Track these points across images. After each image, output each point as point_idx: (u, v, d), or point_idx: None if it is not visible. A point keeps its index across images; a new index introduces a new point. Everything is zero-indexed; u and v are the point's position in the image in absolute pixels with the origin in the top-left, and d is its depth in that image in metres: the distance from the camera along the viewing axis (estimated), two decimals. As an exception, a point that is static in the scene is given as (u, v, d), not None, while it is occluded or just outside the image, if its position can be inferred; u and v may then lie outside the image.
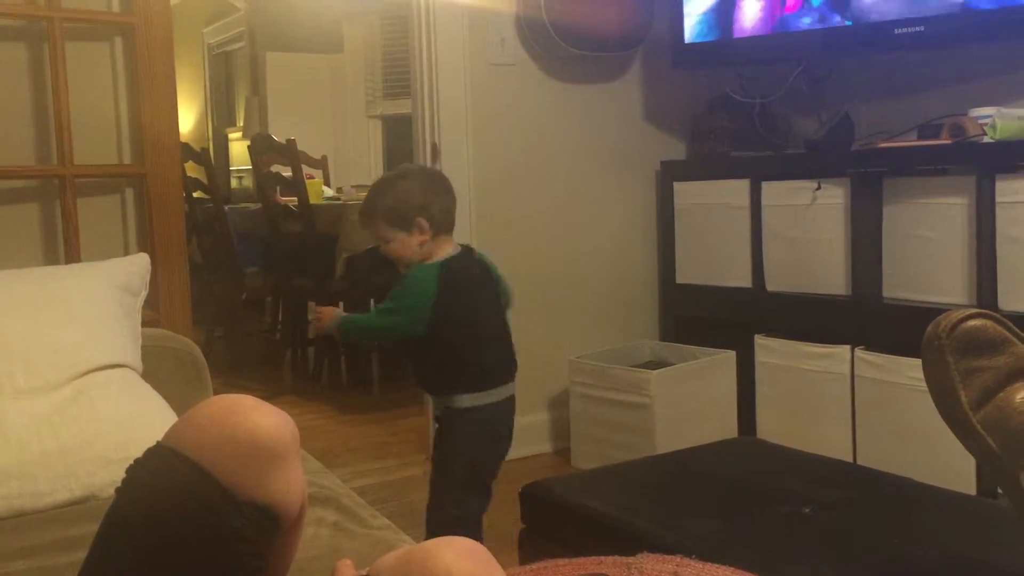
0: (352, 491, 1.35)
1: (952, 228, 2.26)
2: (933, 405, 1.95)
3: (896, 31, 2.46)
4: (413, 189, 1.86)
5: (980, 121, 2.28)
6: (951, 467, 2.16)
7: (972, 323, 0.98)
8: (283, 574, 0.90)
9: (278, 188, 4.10)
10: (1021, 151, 2.14)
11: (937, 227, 2.30)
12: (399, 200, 1.87)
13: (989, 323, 0.98)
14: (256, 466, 0.81)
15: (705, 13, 2.85)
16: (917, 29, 2.42)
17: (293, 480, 0.84)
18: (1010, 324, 0.99)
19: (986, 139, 2.22)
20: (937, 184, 2.31)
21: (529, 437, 2.93)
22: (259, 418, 0.83)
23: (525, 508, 1.41)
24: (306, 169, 4.29)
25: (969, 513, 1.34)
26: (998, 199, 2.17)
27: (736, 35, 2.79)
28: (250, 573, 0.81)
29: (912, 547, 1.18)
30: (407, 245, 1.88)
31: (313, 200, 3.99)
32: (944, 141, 2.34)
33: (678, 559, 0.95)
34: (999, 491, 2.14)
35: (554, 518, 1.38)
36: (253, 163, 4.23)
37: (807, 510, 1.27)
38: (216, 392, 1.54)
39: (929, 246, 2.32)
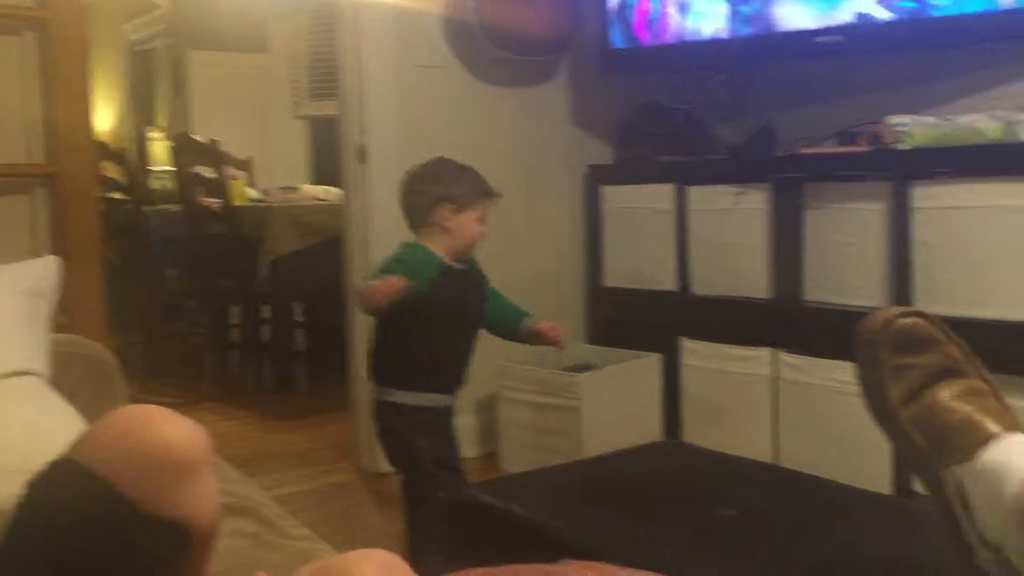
0: (273, 500, 1.32)
1: (870, 233, 2.31)
2: (851, 407, 1.97)
3: (816, 40, 2.51)
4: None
5: (896, 129, 2.34)
6: (868, 468, 2.21)
7: (905, 321, 1.00)
8: (196, 589, 0.87)
9: (200, 189, 4.01)
10: (935, 158, 2.20)
11: (855, 232, 2.35)
12: None
13: (922, 321, 1.00)
14: (166, 480, 0.78)
15: (632, 18, 2.87)
16: (836, 39, 2.47)
17: (205, 493, 0.81)
18: (941, 323, 1.01)
19: (902, 146, 2.27)
20: (855, 190, 2.36)
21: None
22: (169, 430, 0.80)
23: (448, 516, 1.39)
24: (230, 170, 4.21)
25: (887, 513, 1.37)
26: (914, 205, 2.23)
27: (663, 42, 2.82)
28: (159, 590, 0.78)
29: (832, 547, 1.19)
30: None
31: (237, 202, 3.91)
32: (862, 148, 2.40)
33: (600, 565, 0.94)
34: (914, 491, 2.20)
35: (478, 525, 1.36)
36: (175, 164, 4.14)
37: (730, 512, 1.28)
38: (132, 399, 1.49)
39: (848, 250, 2.37)
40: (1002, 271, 2.09)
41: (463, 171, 2.07)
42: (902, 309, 1.01)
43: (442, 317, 2.01)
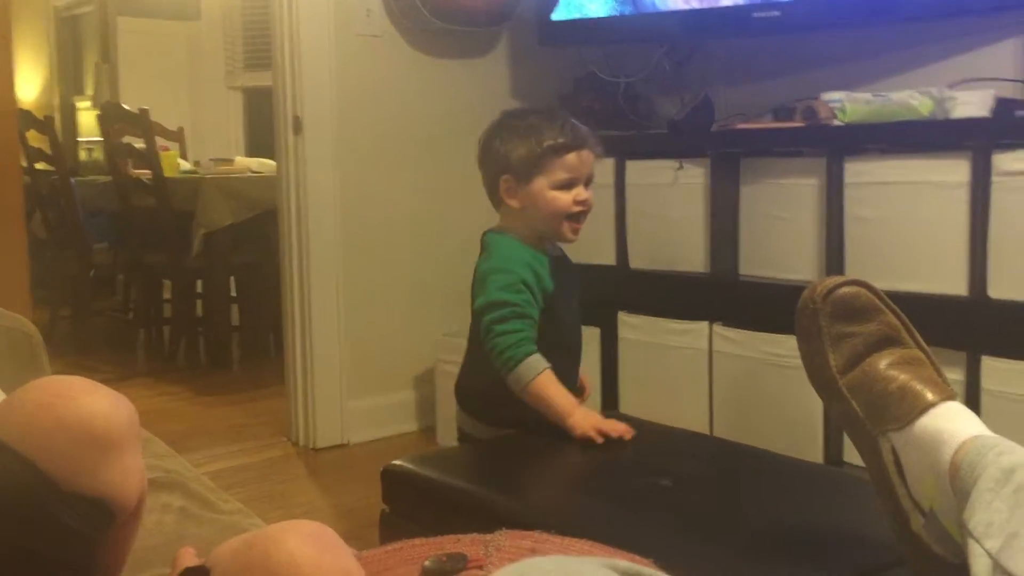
0: (203, 475, 1.29)
1: (804, 208, 2.34)
2: (785, 379, 2.00)
3: (754, 15, 2.53)
4: None
5: (831, 105, 2.36)
6: (801, 438, 2.25)
7: (846, 290, 1.01)
8: (120, 566, 0.84)
9: (130, 160, 3.90)
10: (868, 134, 2.23)
11: (790, 207, 2.37)
12: None
13: (862, 291, 1.01)
14: (88, 455, 0.75)
15: (571, -9, 2.85)
16: (773, 14, 2.49)
17: (130, 469, 0.78)
18: (881, 293, 1.02)
19: (836, 122, 2.30)
20: (791, 165, 2.38)
21: (395, 416, 2.90)
22: (92, 403, 0.77)
23: (386, 489, 1.38)
24: (161, 141, 4.10)
25: (819, 481, 1.39)
26: (846, 180, 2.26)
27: (602, 14, 2.80)
28: (80, 568, 0.76)
29: (767, 516, 1.21)
30: None
31: (168, 173, 3.81)
32: (797, 124, 2.42)
33: (536, 535, 0.94)
34: (845, 460, 2.25)
35: (416, 498, 1.35)
36: (103, 133, 4.01)
37: (665, 482, 1.28)
38: (58, 374, 1.44)
39: (783, 225, 2.39)
40: (930, 246, 2.13)
41: (522, 126, 1.62)
42: (843, 279, 1.03)
43: (550, 331, 1.61)
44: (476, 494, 1.26)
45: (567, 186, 1.59)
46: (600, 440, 1.42)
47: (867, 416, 0.97)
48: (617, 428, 1.45)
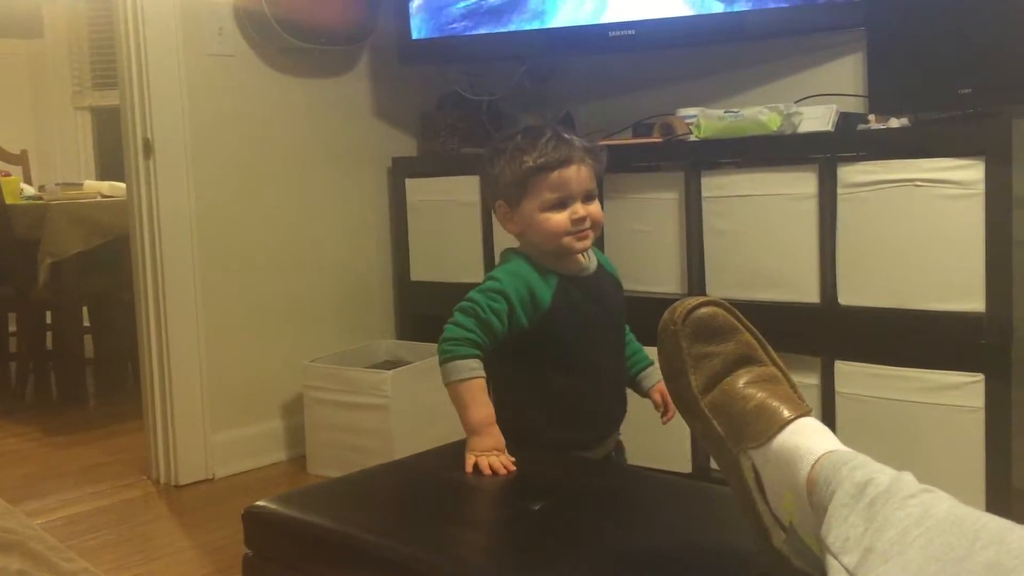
0: (43, 531, 1.20)
1: (664, 221, 2.39)
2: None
3: (610, 34, 2.57)
4: None
5: (687, 120, 2.43)
6: (670, 449, 2.29)
7: (703, 311, 1.02)
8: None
9: (-33, 187, 3.66)
10: (721, 149, 2.30)
11: (651, 221, 2.42)
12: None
13: (720, 311, 1.03)
14: None
15: (430, 9, 2.84)
16: (629, 32, 2.54)
17: None
18: (738, 313, 1.04)
19: (692, 138, 2.36)
20: (650, 180, 2.43)
21: (262, 446, 2.80)
22: None
23: (248, 531, 1.31)
24: (3, 166, 3.87)
25: (690, 496, 1.40)
26: (704, 194, 2.32)
27: (462, 32, 2.80)
28: None
29: (638, 532, 1.21)
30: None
31: (10, 200, 3.60)
32: (656, 139, 2.48)
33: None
34: (713, 467, 2.29)
35: (279, 540, 1.29)
36: (-65, 159, 3.75)
37: (535, 507, 1.27)
38: None
39: (644, 239, 2.44)
40: (783, 256, 2.21)
41: (508, 148, 1.53)
42: (700, 299, 1.04)
43: (557, 352, 1.55)
44: (340, 532, 1.22)
45: (558, 206, 1.50)
46: (487, 472, 1.39)
47: (727, 435, 0.99)
48: (496, 467, 1.39)
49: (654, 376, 1.69)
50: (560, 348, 1.55)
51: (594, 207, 1.54)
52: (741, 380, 1.00)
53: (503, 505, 1.35)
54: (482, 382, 1.49)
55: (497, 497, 1.37)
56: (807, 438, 0.95)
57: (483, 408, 1.46)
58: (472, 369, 1.48)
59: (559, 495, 1.31)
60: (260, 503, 1.32)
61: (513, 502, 1.33)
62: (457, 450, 1.46)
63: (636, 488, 1.41)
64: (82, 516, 2.43)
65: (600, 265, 1.63)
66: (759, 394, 0.98)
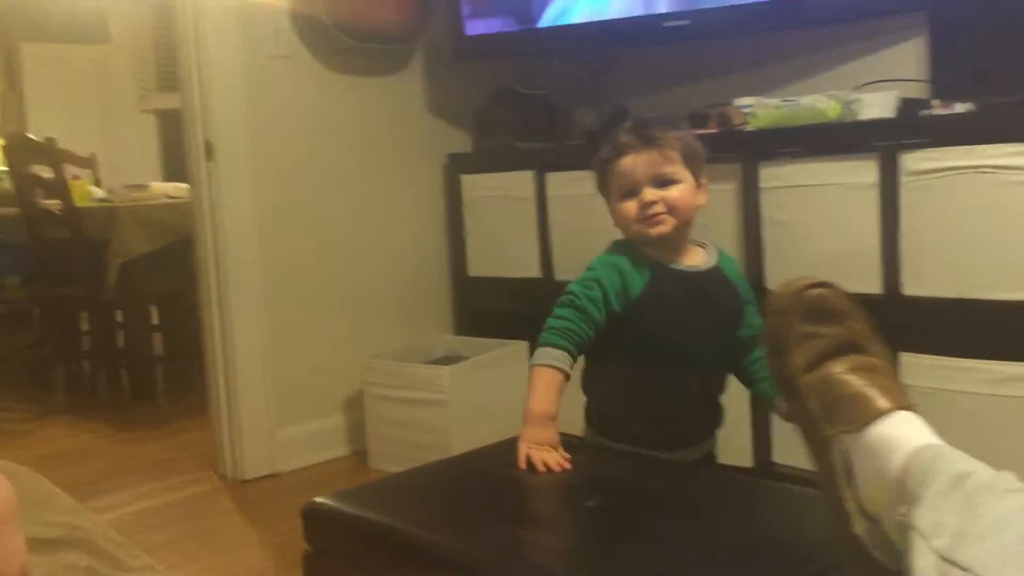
0: (114, 526, 1.23)
1: (722, 213, 2.36)
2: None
3: (664, 24, 2.55)
4: None
5: (743, 111, 2.39)
6: (731, 444, 2.26)
7: (818, 291, 1.03)
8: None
9: (39, 191, 3.78)
10: (778, 139, 2.26)
11: (709, 212, 2.38)
12: (697, 140, 1.58)
13: (834, 294, 1.03)
14: None
15: (482, 5, 2.84)
16: (683, 23, 2.52)
17: (11, 550, 0.73)
18: (851, 297, 1.04)
19: (748, 128, 2.33)
20: (708, 171, 2.40)
21: (325, 442, 2.85)
22: None
23: (308, 528, 1.34)
24: (72, 169, 3.98)
25: (752, 494, 1.38)
26: (761, 184, 2.29)
27: (516, 28, 2.80)
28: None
29: (699, 530, 1.19)
30: (690, 197, 1.55)
31: (79, 203, 3.70)
32: (712, 130, 2.45)
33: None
34: (774, 461, 2.27)
35: (338, 536, 1.32)
36: (9, 164, 3.88)
37: (590, 503, 1.27)
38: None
39: (702, 231, 2.40)
40: (844, 246, 2.16)
41: (593, 143, 1.62)
42: (813, 280, 1.04)
43: (644, 344, 1.54)
44: (399, 530, 1.23)
45: (628, 194, 1.53)
46: (541, 469, 1.38)
47: (822, 416, 0.98)
48: (550, 464, 1.38)
49: None
50: (644, 339, 1.53)
51: (670, 191, 1.52)
52: (844, 365, 0.99)
53: (559, 501, 1.35)
54: (557, 375, 1.47)
55: (552, 494, 1.38)
56: (905, 430, 0.93)
57: (547, 400, 1.45)
58: (554, 358, 1.48)
59: (615, 492, 1.31)
60: (318, 500, 1.34)
61: (569, 498, 1.33)
62: (514, 446, 1.47)
63: (691, 485, 1.40)
64: (152, 511, 2.50)
65: (718, 267, 1.61)
66: (859, 381, 0.98)
